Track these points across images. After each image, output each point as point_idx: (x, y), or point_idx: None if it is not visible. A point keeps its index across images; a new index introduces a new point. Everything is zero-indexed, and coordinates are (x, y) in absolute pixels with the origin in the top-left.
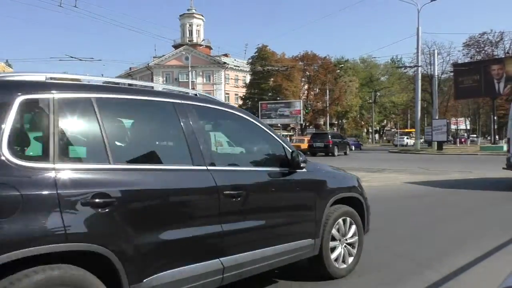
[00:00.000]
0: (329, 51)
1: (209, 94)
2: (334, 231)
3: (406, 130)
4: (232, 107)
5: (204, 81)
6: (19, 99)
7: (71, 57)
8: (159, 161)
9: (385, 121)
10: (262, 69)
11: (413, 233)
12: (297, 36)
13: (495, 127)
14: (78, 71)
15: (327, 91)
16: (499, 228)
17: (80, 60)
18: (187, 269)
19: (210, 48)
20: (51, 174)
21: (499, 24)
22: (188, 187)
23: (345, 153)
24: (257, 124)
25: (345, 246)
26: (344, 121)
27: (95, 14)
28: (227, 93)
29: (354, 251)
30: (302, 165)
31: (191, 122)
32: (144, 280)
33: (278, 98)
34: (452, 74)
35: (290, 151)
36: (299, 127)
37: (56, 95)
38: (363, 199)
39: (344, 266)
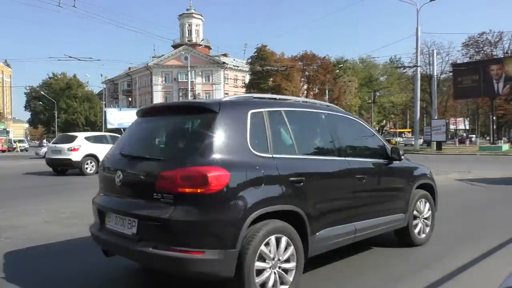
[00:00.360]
0: (328, 51)
1: (208, 94)
2: (416, 209)
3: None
4: (352, 115)
5: (203, 81)
6: (251, 112)
7: (70, 57)
8: (322, 153)
9: (385, 121)
10: (261, 69)
11: None
12: (296, 36)
13: (494, 127)
14: (77, 71)
15: (326, 91)
16: (499, 228)
17: (79, 60)
18: (336, 229)
19: (209, 48)
20: (272, 161)
21: (498, 24)
22: (338, 171)
23: None
24: (368, 128)
25: (422, 221)
26: None
27: (94, 14)
28: (226, 93)
29: (429, 222)
30: (402, 158)
31: (333, 126)
32: (317, 233)
33: None
34: (451, 74)
35: (390, 147)
36: None
37: (265, 109)
38: (434, 184)
39: (423, 235)
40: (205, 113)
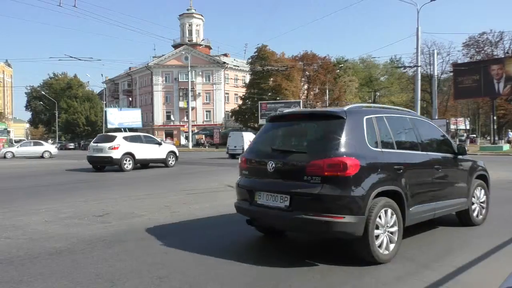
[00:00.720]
0: (328, 51)
1: (208, 94)
2: (474, 195)
3: None
4: (426, 118)
5: (204, 81)
6: (366, 117)
7: (71, 57)
8: (411, 148)
9: None
10: (262, 69)
11: (412, 233)
12: (297, 36)
13: (495, 127)
14: (78, 71)
15: (327, 91)
16: (498, 228)
17: (79, 60)
18: (423, 206)
19: (209, 48)
20: (381, 154)
21: (498, 24)
22: (423, 162)
23: None
24: (439, 129)
25: (479, 205)
26: None
27: (95, 14)
28: (227, 93)
29: (484, 206)
30: (466, 153)
31: (417, 128)
32: (410, 209)
33: (278, 98)
34: (451, 74)
35: (456, 143)
36: None
37: (373, 115)
38: (488, 175)
39: (480, 217)
40: (335, 119)
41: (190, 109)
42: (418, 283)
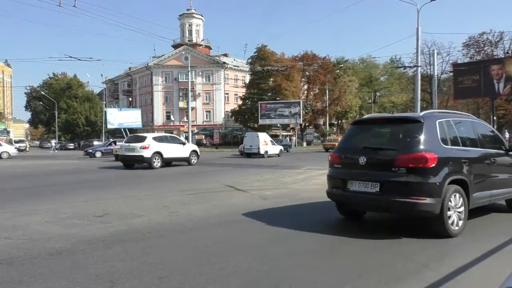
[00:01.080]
0: (328, 51)
1: (208, 94)
2: None
3: None
4: (483, 121)
5: (204, 81)
6: (438, 121)
7: (70, 57)
8: (472, 145)
9: None
10: (262, 69)
11: (412, 233)
12: (296, 36)
13: (495, 127)
14: (78, 71)
15: (327, 91)
16: (498, 227)
17: (79, 60)
18: (482, 193)
19: (209, 48)
20: (451, 150)
21: (498, 24)
22: (482, 156)
23: None
24: (491, 128)
25: None
26: (343, 121)
27: (95, 14)
28: (227, 93)
29: None
30: None
31: (475, 128)
32: (473, 195)
33: (278, 98)
34: (451, 74)
35: (506, 141)
36: (299, 127)
37: (443, 119)
38: None
39: None
40: (414, 123)
41: (190, 109)
42: (418, 283)
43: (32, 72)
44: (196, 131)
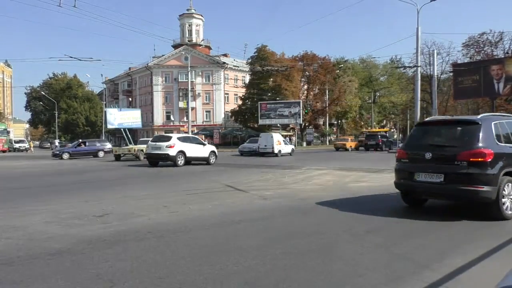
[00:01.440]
0: (328, 51)
1: (208, 94)
2: None
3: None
4: None
5: (204, 81)
6: (493, 122)
7: (70, 57)
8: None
9: (385, 121)
10: (262, 69)
11: (412, 234)
12: (296, 36)
13: None
14: (78, 71)
15: (327, 91)
16: (498, 227)
17: (79, 60)
18: None
19: (209, 48)
20: (505, 147)
21: (498, 24)
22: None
23: (388, 150)
24: None
25: None
26: (343, 121)
27: (95, 14)
28: (227, 93)
29: None
30: None
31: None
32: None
33: (278, 98)
34: (451, 74)
35: None
36: (299, 127)
37: (497, 121)
38: None
39: None
40: (473, 124)
41: (189, 109)
42: (418, 283)
43: (32, 72)
44: (196, 131)
